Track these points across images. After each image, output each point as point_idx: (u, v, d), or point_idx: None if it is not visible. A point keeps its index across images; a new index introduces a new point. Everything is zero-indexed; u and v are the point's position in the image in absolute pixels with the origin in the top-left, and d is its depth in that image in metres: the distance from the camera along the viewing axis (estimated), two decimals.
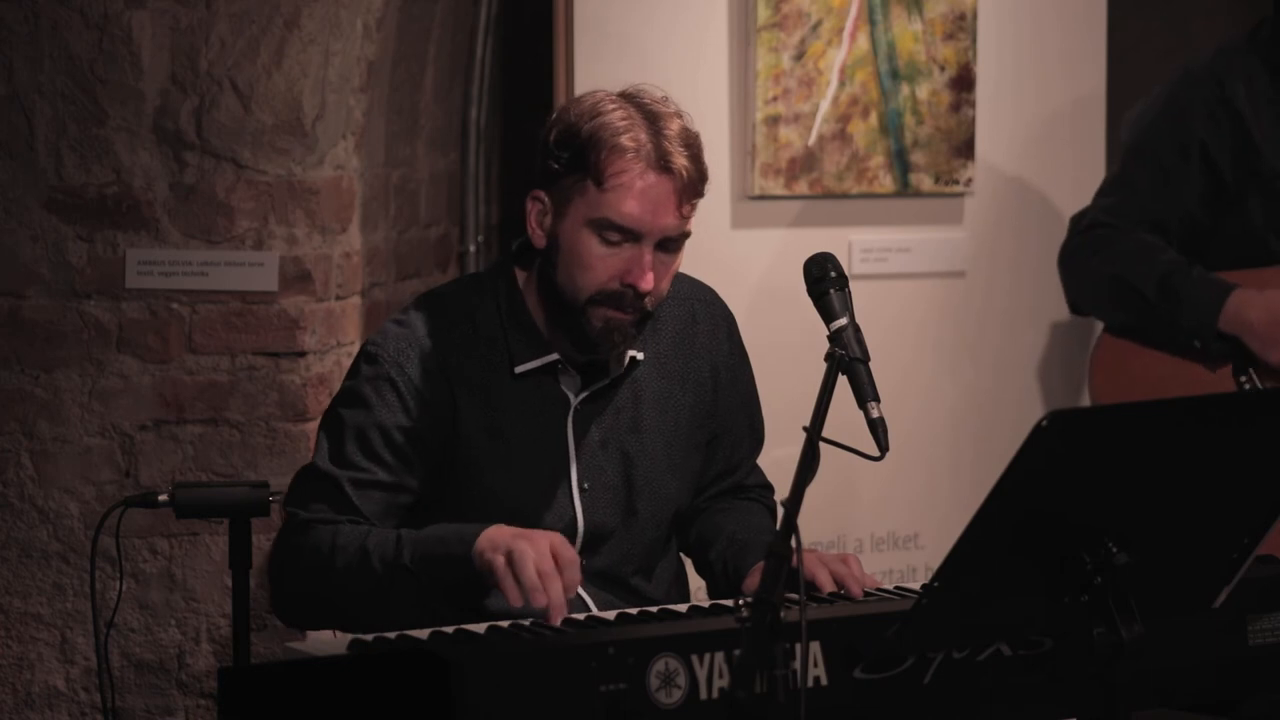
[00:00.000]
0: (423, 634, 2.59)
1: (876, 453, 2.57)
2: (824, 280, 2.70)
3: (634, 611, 2.74)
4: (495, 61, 4.89)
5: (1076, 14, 4.71)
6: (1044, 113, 4.70)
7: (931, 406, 4.60)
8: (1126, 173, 4.18)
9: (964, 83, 4.52)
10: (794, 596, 2.31)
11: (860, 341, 2.64)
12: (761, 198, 4.38)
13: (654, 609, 2.74)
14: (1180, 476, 2.45)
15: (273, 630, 4.03)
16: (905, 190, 4.50)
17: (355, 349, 4.14)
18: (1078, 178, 4.61)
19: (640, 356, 3.05)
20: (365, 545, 2.81)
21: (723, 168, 4.33)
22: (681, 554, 3.20)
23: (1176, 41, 5.35)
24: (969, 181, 4.57)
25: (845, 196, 4.46)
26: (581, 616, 2.69)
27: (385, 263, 4.40)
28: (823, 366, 2.57)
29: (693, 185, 2.90)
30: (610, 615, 2.71)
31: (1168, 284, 4.03)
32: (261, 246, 4.00)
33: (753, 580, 2.87)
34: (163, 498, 3.36)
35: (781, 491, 2.44)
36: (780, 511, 2.38)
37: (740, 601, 2.30)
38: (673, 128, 2.90)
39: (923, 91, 4.48)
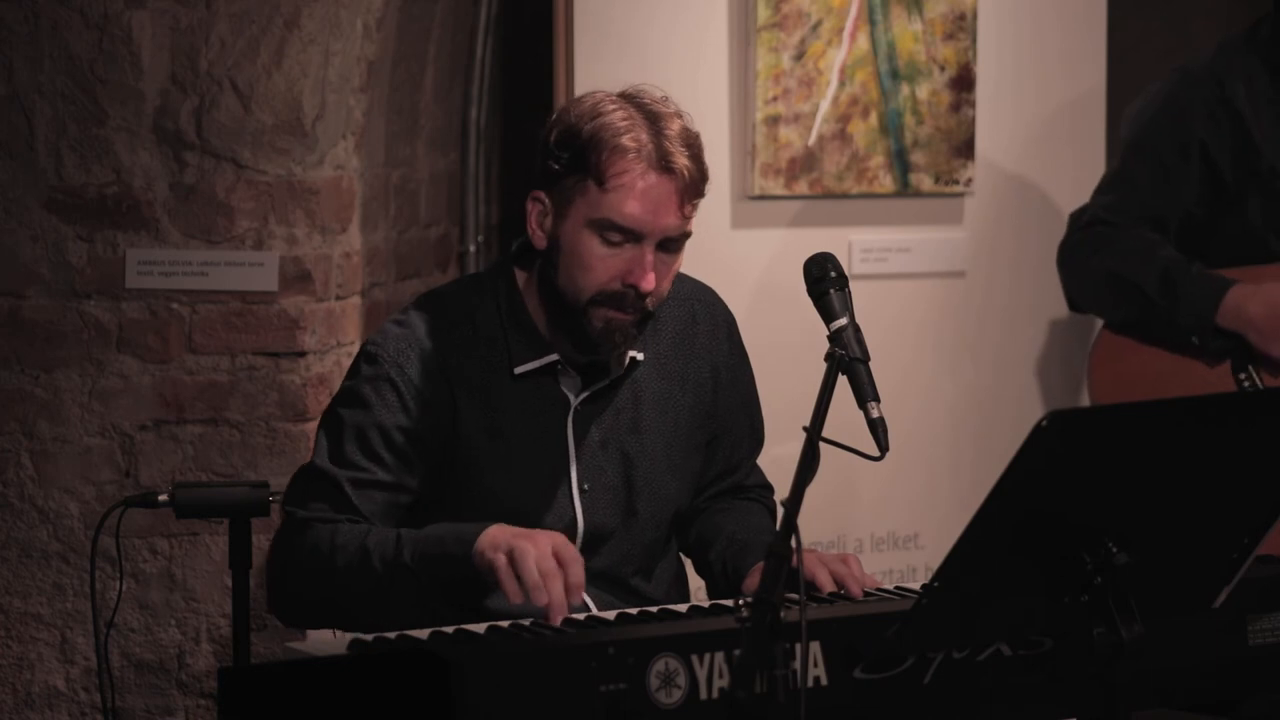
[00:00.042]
0: (423, 634, 2.59)
1: (876, 453, 2.57)
2: (824, 280, 2.70)
3: (634, 611, 2.74)
4: (495, 61, 4.89)
5: (1076, 14, 4.71)
6: (1044, 112, 4.70)
7: (931, 406, 4.60)
8: (1126, 170, 4.18)
9: (964, 83, 4.52)
10: (794, 596, 2.31)
11: (860, 341, 2.64)
12: (761, 198, 4.38)
13: (654, 609, 2.74)
14: (1180, 476, 2.45)
15: (273, 630, 4.03)
16: (905, 190, 4.51)
17: (355, 349, 4.14)
18: (1078, 177, 4.61)
19: (640, 357, 3.05)
20: (365, 544, 2.81)
21: (723, 168, 4.33)
22: (681, 554, 3.20)
23: (1176, 41, 5.35)
24: (969, 181, 4.56)
25: (845, 196, 4.46)
26: (581, 616, 2.69)
27: (385, 263, 4.40)
28: (823, 366, 2.57)
29: (694, 185, 2.90)
30: (610, 615, 2.71)
31: (1166, 280, 4.03)
32: (261, 246, 4.00)
33: (752, 580, 2.87)
34: (163, 498, 3.36)
35: (781, 491, 2.44)
36: (780, 511, 2.38)
37: (740, 601, 2.30)
38: (673, 128, 2.90)
39: (923, 91, 4.48)
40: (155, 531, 4.03)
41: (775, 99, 4.35)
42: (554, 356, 2.99)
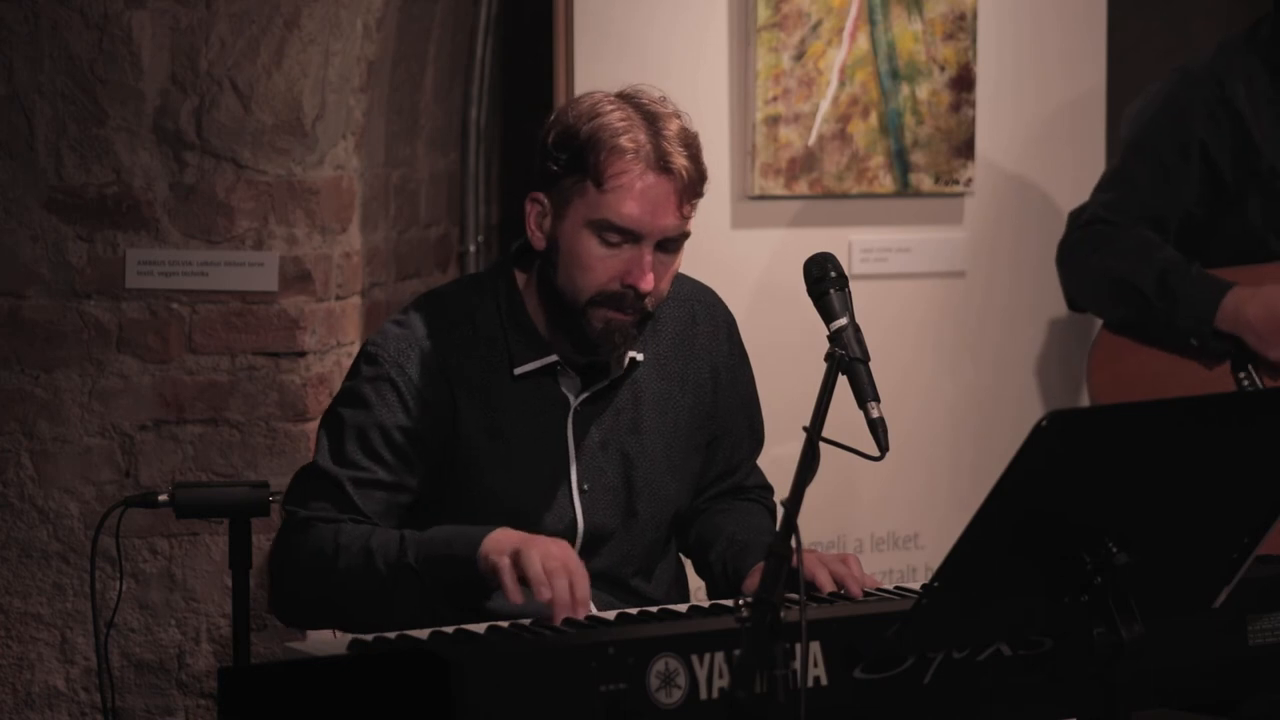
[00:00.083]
0: (423, 634, 2.59)
1: (876, 453, 2.57)
2: (824, 280, 2.70)
3: (634, 611, 2.74)
4: (495, 61, 4.89)
5: (1076, 14, 4.71)
6: (1044, 112, 4.70)
7: (931, 406, 4.60)
8: (1126, 168, 4.18)
9: (964, 83, 4.52)
10: (794, 596, 2.31)
11: (860, 341, 2.64)
12: (761, 198, 4.38)
13: (654, 609, 2.74)
14: (1180, 476, 2.45)
15: (273, 630, 4.03)
16: (905, 190, 4.51)
17: (355, 349, 4.14)
18: (1077, 177, 4.61)
19: (640, 358, 3.05)
20: (369, 545, 2.81)
21: (723, 168, 4.33)
22: (681, 555, 3.20)
23: (1176, 41, 5.35)
24: (969, 181, 4.57)
25: (845, 196, 4.46)
26: (581, 616, 2.69)
27: (385, 263, 4.40)
28: (823, 366, 2.57)
29: (692, 185, 2.90)
30: (610, 615, 2.71)
31: (1165, 282, 4.03)
32: (261, 246, 4.00)
33: (753, 581, 2.87)
34: (163, 498, 3.36)
35: (781, 491, 2.44)
36: (780, 512, 2.38)
37: (740, 601, 2.30)
38: (671, 128, 2.90)
39: (923, 91, 4.48)
40: (155, 531, 4.03)
41: (775, 99, 4.35)
42: (554, 357, 2.99)
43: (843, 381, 2.59)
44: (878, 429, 2.60)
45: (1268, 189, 4.05)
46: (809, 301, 2.71)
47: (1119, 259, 4.09)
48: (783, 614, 2.27)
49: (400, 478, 2.93)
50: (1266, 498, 2.53)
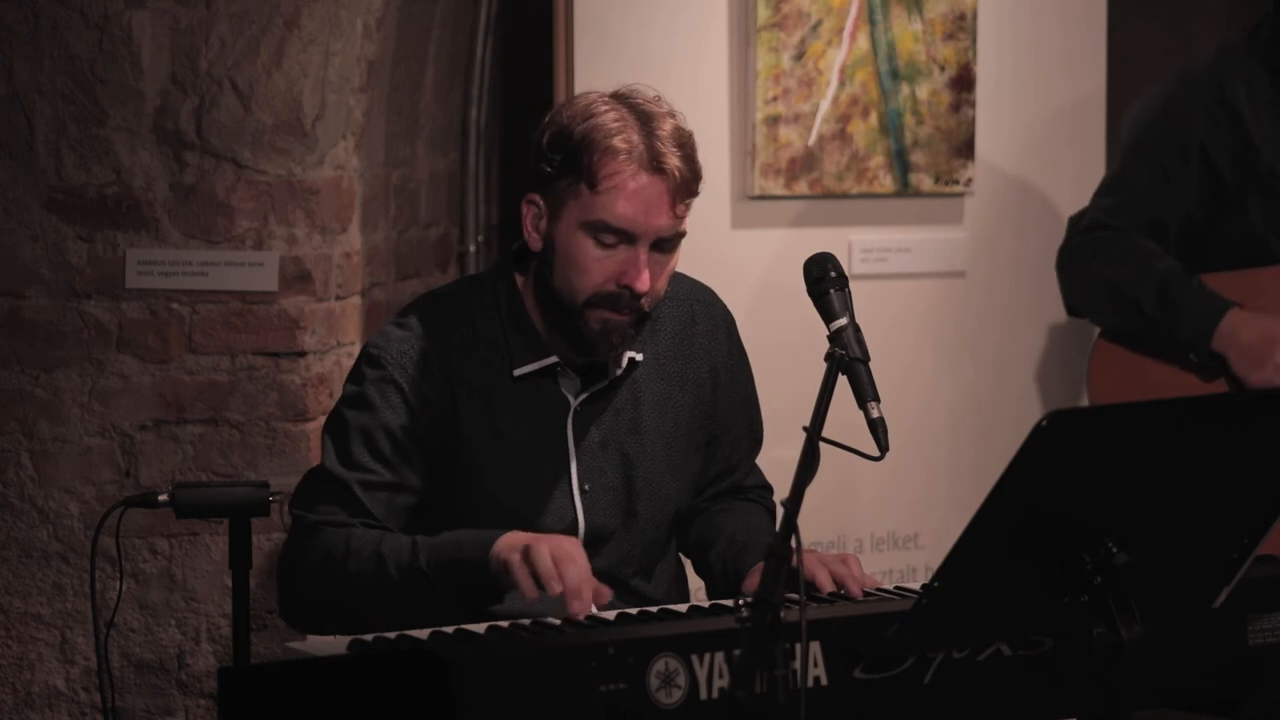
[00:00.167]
0: (423, 634, 2.59)
1: (876, 453, 2.57)
2: (824, 280, 2.70)
3: (634, 611, 2.74)
4: (495, 61, 4.89)
5: (1076, 14, 4.71)
6: (1044, 113, 4.70)
7: (931, 406, 4.60)
8: (1126, 172, 4.17)
9: (964, 83, 4.52)
10: (794, 596, 2.31)
11: (860, 341, 2.64)
12: (761, 198, 4.38)
13: (654, 609, 2.74)
14: (1180, 476, 2.45)
15: (273, 630, 4.03)
16: (905, 190, 4.50)
17: (355, 349, 4.14)
18: (1078, 178, 4.61)
19: (639, 358, 3.05)
20: (380, 550, 2.81)
21: (723, 168, 4.33)
22: (681, 555, 3.20)
23: (1176, 41, 5.35)
24: (969, 181, 4.56)
25: (845, 196, 4.46)
26: (582, 617, 2.69)
27: (385, 263, 4.40)
28: (823, 366, 2.57)
29: (686, 185, 2.90)
30: (610, 615, 2.71)
31: (1165, 295, 4.02)
32: (261, 246, 4.00)
33: (752, 581, 2.87)
34: (163, 498, 3.36)
35: (781, 491, 2.44)
36: (780, 511, 2.38)
37: (740, 601, 2.30)
38: (665, 128, 2.90)
39: (923, 91, 4.48)
40: (155, 531, 4.03)
41: (775, 99, 4.35)
42: (553, 358, 2.99)
43: (843, 381, 2.59)
44: (878, 429, 2.60)
45: (1268, 191, 4.04)
46: (809, 301, 2.71)
47: (1119, 267, 4.08)
48: (783, 614, 2.27)
49: (407, 479, 2.93)
50: (1266, 498, 2.53)
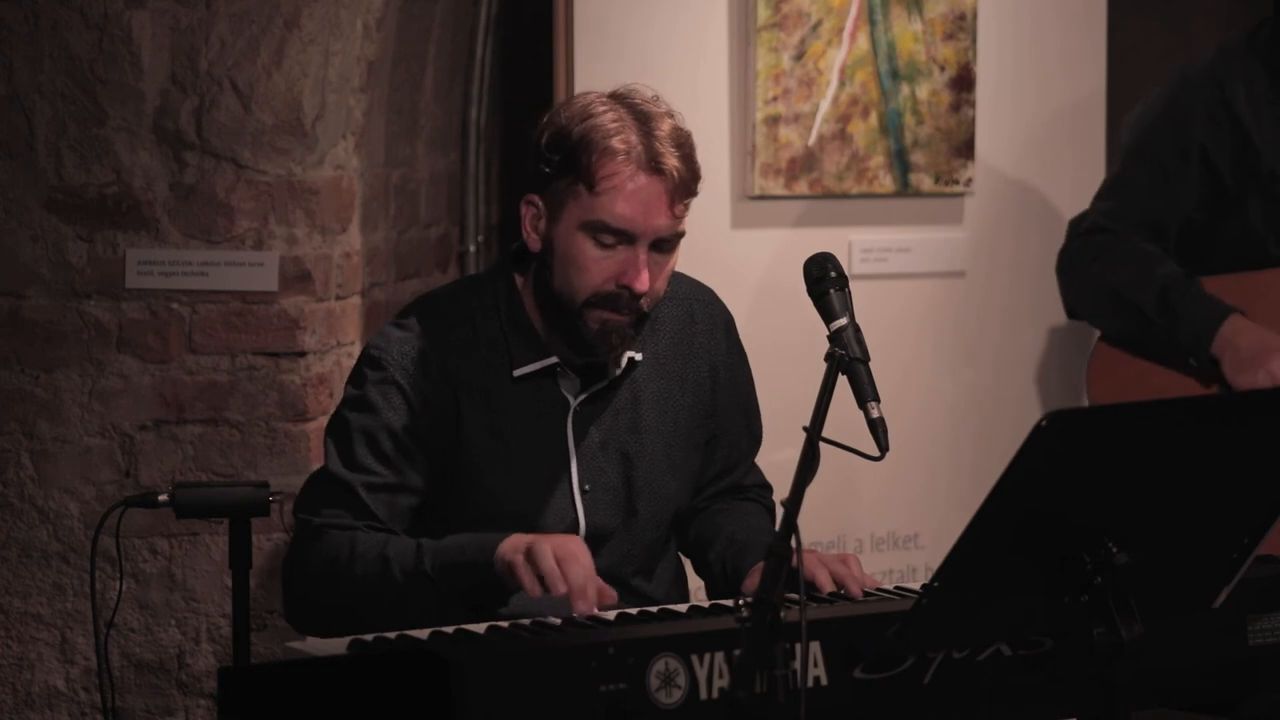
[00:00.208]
0: (423, 634, 2.59)
1: (876, 453, 2.57)
2: (824, 280, 2.70)
3: (634, 611, 2.74)
4: (495, 61, 4.89)
5: (1076, 14, 4.71)
6: (1044, 113, 4.70)
7: (931, 406, 4.60)
8: (1126, 175, 4.17)
9: (964, 83, 4.52)
10: (794, 596, 2.31)
11: (860, 341, 2.64)
12: (761, 198, 4.38)
13: (654, 609, 2.74)
14: (1180, 476, 2.45)
15: (273, 630, 4.03)
16: (905, 190, 4.50)
17: (355, 349, 4.15)
18: (1078, 178, 4.61)
19: (639, 358, 3.05)
20: (385, 553, 2.81)
21: (723, 168, 4.33)
22: (680, 554, 3.20)
23: (1176, 41, 5.35)
24: (969, 181, 4.56)
25: (845, 196, 4.46)
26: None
27: (385, 263, 4.40)
28: (823, 366, 2.57)
29: (685, 185, 2.90)
30: (610, 615, 2.71)
31: (1165, 299, 4.01)
32: (261, 246, 4.00)
33: (752, 580, 2.87)
34: (163, 498, 3.36)
35: (781, 491, 2.44)
36: (779, 511, 2.38)
37: (740, 601, 2.30)
38: (663, 128, 2.90)
39: (923, 91, 4.48)
40: (155, 531, 4.03)
41: (775, 99, 4.35)
42: (553, 359, 2.99)
43: (843, 381, 2.59)
44: (878, 429, 2.60)
45: (1268, 192, 4.04)
46: (809, 301, 2.71)
47: (1119, 271, 4.08)
48: (783, 614, 2.27)
49: (411, 480, 2.94)
50: (1266, 498, 2.53)
